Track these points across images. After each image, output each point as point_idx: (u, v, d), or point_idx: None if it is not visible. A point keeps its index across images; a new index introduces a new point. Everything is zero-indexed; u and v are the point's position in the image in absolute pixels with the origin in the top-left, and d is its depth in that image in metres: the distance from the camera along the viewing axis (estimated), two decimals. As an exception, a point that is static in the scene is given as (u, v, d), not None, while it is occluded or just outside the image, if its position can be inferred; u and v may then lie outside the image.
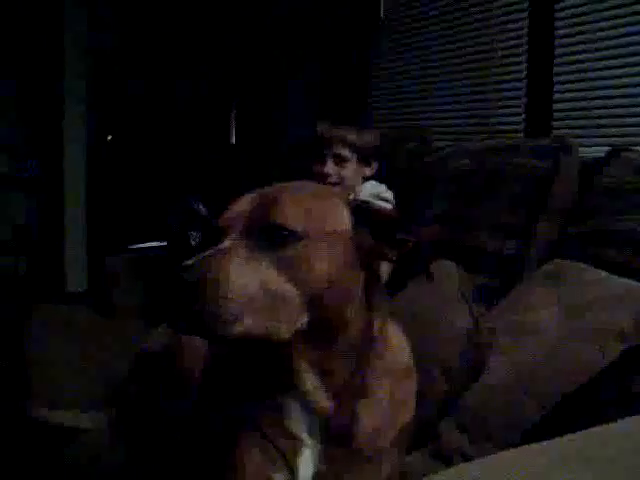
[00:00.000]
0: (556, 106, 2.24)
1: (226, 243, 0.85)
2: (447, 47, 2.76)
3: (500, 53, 2.48)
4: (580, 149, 1.73)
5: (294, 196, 0.89)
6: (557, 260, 1.49)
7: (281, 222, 0.84)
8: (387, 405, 0.97)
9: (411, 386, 1.04)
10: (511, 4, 2.42)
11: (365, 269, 0.93)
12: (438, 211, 1.94)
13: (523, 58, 2.37)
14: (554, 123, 2.24)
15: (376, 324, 0.95)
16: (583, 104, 2.16)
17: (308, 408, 0.93)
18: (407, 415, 1.01)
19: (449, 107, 2.77)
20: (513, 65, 2.42)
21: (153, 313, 2.02)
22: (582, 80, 2.15)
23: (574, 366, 1.20)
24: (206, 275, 0.79)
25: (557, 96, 2.23)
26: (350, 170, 2.12)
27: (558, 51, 2.22)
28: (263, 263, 0.83)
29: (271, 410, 0.96)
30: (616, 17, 2.03)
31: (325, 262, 0.85)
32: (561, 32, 2.21)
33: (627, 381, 1.19)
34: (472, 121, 2.65)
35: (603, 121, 2.10)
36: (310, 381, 0.91)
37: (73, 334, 2.13)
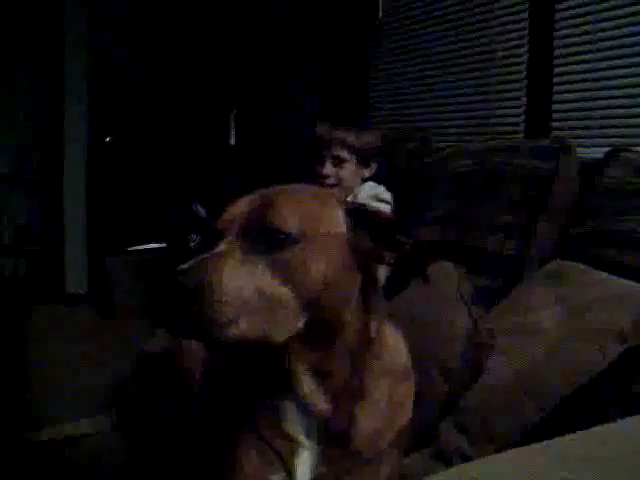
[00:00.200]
0: (556, 107, 2.24)
1: (222, 246, 0.85)
2: (446, 48, 2.75)
3: (500, 54, 2.49)
4: (580, 150, 1.73)
5: (291, 199, 0.89)
6: (557, 261, 1.49)
7: (277, 225, 0.84)
8: (385, 406, 0.97)
9: (409, 387, 1.03)
10: (512, 5, 2.42)
11: (362, 271, 0.93)
12: (438, 212, 1.94)
13: (523, 59, 2.37)
14: (554, 124, 2.24)
15: (373, 326, 0.95)
16: (583, 105, 2.16)
17: (306, 410, 0.93)
18: (405, 416, 1.01)
19: (449, 108, 2.77)
20: (513, 66, 2.42)
21: (153, 314, 2.03)
22: (582, 81, 2.15)
23: (574, 366, 1.20)
24: (202, 278, 0.79)
25: (557, 97, 2.24)
26: (349, 171, 2.12)
27: (558, 52, 2.22)
28: (259, 266, 0.83)
29: (269, 412, 0.96)
30: (616, 18, 2.03)
31: (322, 265, 0.85)
32: (561, 33, 2.21)
33: (627, 381, 1.19)
34: (472, 122, 2.65)
35: (603, 122, 2.10)
36: (307, 383, 0.91)
37: (73, 335, 2.13)
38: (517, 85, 2.40)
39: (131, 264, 2.60)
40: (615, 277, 1.32)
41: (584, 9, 2.13)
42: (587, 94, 2.14)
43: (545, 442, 0.76)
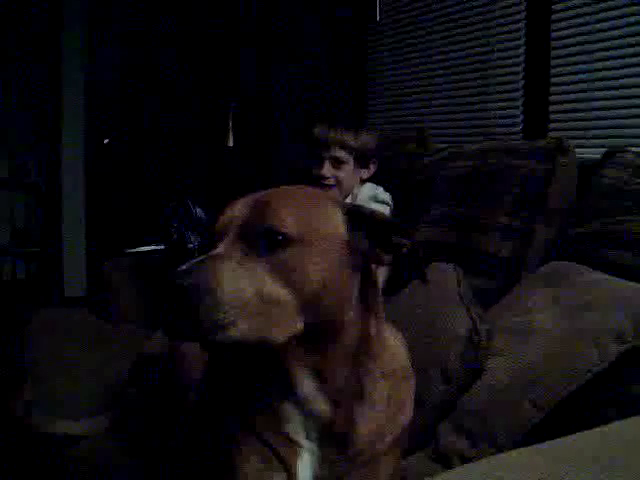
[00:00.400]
0: (553, 108, 2.24)
1: (221, 248, 0.85)
2: (444, 49, 2.76)
3: (495, 52, 2.49)
4: (577, 150, 1.73)
5: (289, 200, 0.89)
6: (555, 261, 1.49)
7: (276, 226, 0.84)
8: (385, 407, 0.97)
9: (409, 388, 1.04)
10: (509, 6, 2.43)
11: (361, 272, 0.93)
12: (436, 213, 1.94)
13: (520, 59, 2.37)
14: (551, 125, 2.24)
15: (373, 326, 0.95)
16: (580, 106, 2.16)
17: (306, 412, 0.93)
18: (405, 417, 1.01)
19: (447, 109, 2.77)
20: (511, 67, 2.43)
21: (151, 316, 2.02)
22: (579, 82, 2.16)
23: (573, 367, 1.19)
24: (201, 280, 0.79)
25: (554, 98, 2.24)
26: (347, 172, 2.12)
27: (555, 53, 2.22)
28: (257, 268, 0.83)
29: (269, 414, 0.95)
30: (613, 18, 2.03)
31: (320, 266, 0.85)
32: (558, 34, 2.21)
33: (626, 382, 1.19)
34: (470, 123, 2.65)
35: (600, 123, 2.10)
36: (307, 385, 0.91)
37: (72, 338, 2.13)
38: (515, 86, 2.40)
39: (129, 266, 2.60)
40: (613, 278, 1.32)
41: (581, 9, 2.13)
42: (584, 95, 2.14)
43: (546, 443, 0.76)
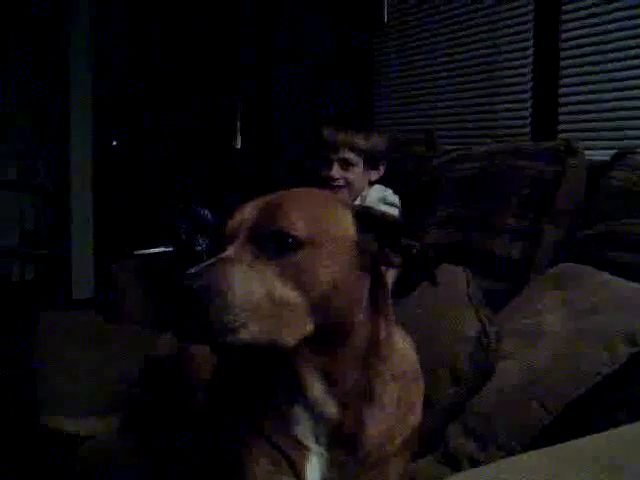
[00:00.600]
0: (562, 109, 2.24)
1: (231, 250, 0.85)
2: (452, 50, 2.76)
3: (503, 53, 2.48)
4: (586, 152, 1.72)
5: (299, 202, 0.89)
6: (564, 263, 1.48)
7: (286, 228, 0.84)
8: (394, 410, 0.97)
9: (418, 390, 1.03)
10: (517, 7, 2.42)
11: (371, 274, 0.92)
12: (445, 214, 1.94)
13: (529, 60, 2.37)
14: (560, 126, 2.24)
15: (382, 328, 0.95)
16: (589, 107, 2.15)
17: (315, 414, 0.93)
18: (414, 419, 1.01)
19: (454, 110, 2.77)
20: (518, 68, 2.42)
21: (160, 318, 2.03)
22: (588, 83, 2.15)
23: (583, 369, 1.19)
24: (210, 283, 0.79)
25: (563, 99, 2.23)
26: (356, 174, 2.11)
27: (564, 53, 2.22)
28: (268, 270, 0.83)
29: (278, 416, 0.95)
30: (621, 19, 2.03)
31: (330, 268, 0.85)
32: (567, 34, 2.21)
33: (636, 384, 1.18)
34: (478, 124, 2.64)
35: (609, 124, 2.09)
36: (316, 387, 0.91)
37: (81, 340, 2.13)
38: (523, 87, 2.40)
39: (138, 268, 2.60)
40: (623, 279, 1.31)
41: (590, 10, 2.13)
42: (594, 96, 2.13)
43: (557, 446, 0.76)
